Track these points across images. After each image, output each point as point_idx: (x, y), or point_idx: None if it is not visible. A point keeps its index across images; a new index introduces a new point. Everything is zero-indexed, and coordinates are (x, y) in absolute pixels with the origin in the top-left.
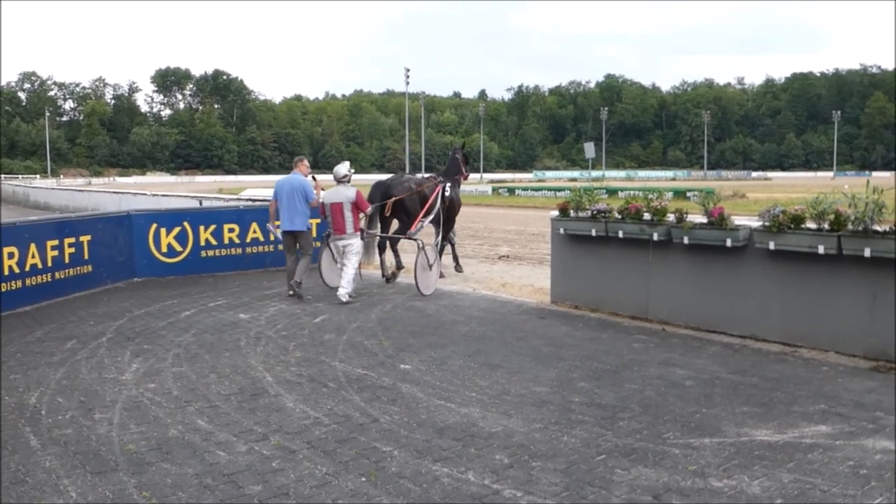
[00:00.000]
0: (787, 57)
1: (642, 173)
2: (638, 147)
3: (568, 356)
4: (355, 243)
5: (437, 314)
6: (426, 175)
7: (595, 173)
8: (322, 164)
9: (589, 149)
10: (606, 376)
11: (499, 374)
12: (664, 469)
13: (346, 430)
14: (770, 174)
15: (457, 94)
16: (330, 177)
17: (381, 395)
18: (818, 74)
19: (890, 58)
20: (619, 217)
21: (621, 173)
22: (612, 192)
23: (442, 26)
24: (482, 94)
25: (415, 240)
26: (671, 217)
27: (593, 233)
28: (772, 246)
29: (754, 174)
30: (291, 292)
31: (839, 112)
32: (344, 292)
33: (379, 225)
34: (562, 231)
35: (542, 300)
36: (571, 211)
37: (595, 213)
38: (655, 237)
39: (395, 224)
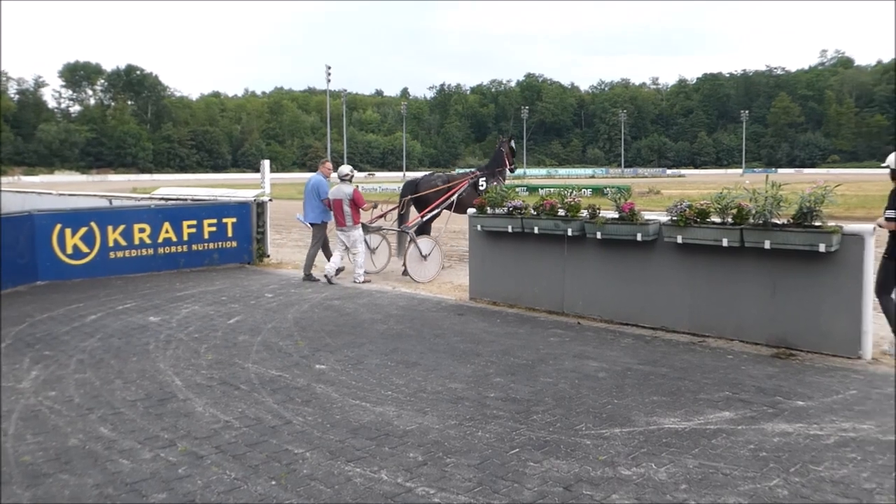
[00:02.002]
0: (699, 58)
1: (562, 171)
2: (558, 145)
3: (485, 352)
4: (355, 234)
5: (355, 313)
6: (467, 170)
7: (516, 171)
8: (242, 162)
9: None
10: (522, 371)
11: (415, 372)
12: (575, 460)
13: (257, 433)
14: (684, 171)
15: (379, 92)
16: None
17: (294, 397)
18: (727, 75)
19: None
20: (535, 213)
21: (542, 171)
22: (532, 190)
23: (363, 24)
24: (404, 92)
25: (406, 232)
26: (584, 213)
27: (510, 229)
28: (680, 240)
29: (669, 171)
30: (324, 278)
31: (747, 112)
32: (358, 276)
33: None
34: (479, 228)
35: (461, 297)
36: (488, 208)
37: (511, 209)
38: (570, 232)
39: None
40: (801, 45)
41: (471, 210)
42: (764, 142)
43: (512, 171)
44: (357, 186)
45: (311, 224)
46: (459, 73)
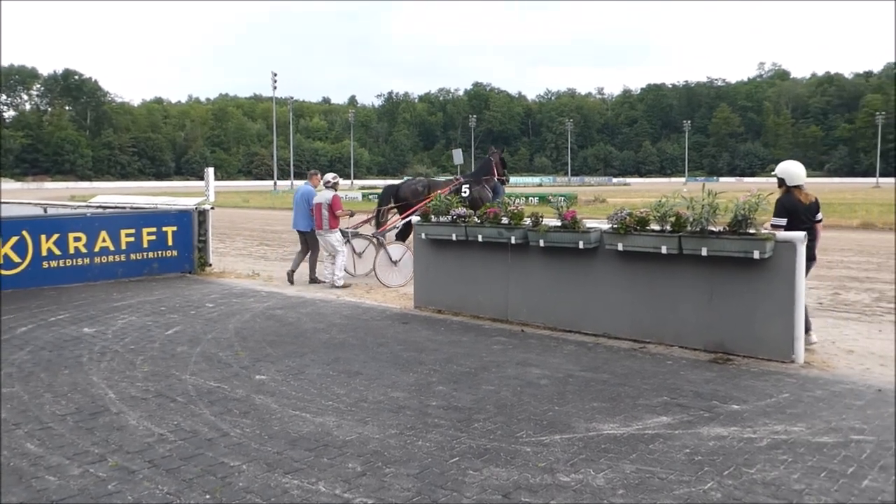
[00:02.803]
0: (643, 69)
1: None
2: (506, 154)
3: (428, 360)
4: (331, 238)
5: (298, 322)
6: (451, 178)
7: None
8: (185, 170)
9: (457, 155)
10: (465, 379)
11: (357, 382)
12: (515, 467)
13: (193, 446)
14: (629, 180)
15: (326, 100)
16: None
17: (232, 408)
18: (670, 86)
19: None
20: (479, 222)
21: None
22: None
23: (310, 32)
24: (352, 99)
25: (378, 238)
26: (528, 221)
27: (454, 237)
28: (620, 247)
29: (614, 180)
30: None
31: (689, 122)
32: (336, 279)
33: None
34: (424, 236)
35: (406, 305)
36: (433, 216)
37: (455, 217)
38: (513, 240)
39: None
40: (740, 58)
41: (415, 218)
42: (706, 151)
43: (503, 182)
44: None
45: (300, 232)
46: (407, 81)
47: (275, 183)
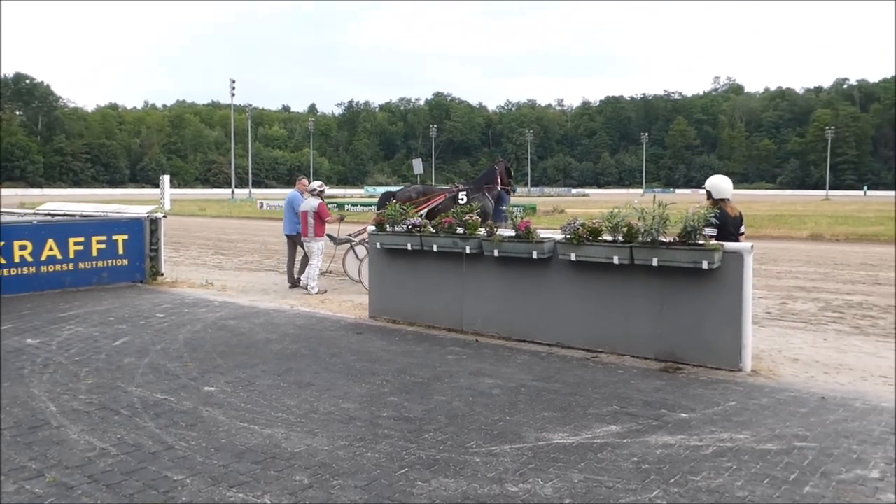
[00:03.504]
0: (601, 81)
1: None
2: (466, 163)
3: (381, 371)
4: (314, 246)
5: (250, 333)
6: (452, 186)
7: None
8: (141, 177)
9: (417, 165)
10: (417, 389)
11: (308, 393)
12: (464, 478)
13: (136, 460)
14: (588, 191)
15: (286, 108)
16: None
17: (178, 421)
18: (628, 99)
19: (687, 85)
20: (434, 231)
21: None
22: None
23: (270, 38)
24: (312, 108)
25: (349, 239)
26: (482, 231)
27: (409, 247)
28: (573, 257)
29: (574, 191)
30: (290, 285)
31: (647, 134)
32: (309, 286)
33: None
34: (379, 245)
35: (361, 315)
36: (388, 225)
37: (410, 227)
38: (468, 250)
39: None
40: (696, 72)
41: (370, 227)
42: (663, 163)
43: (508, 192)
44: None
45: (288, 236)
46: (368, 90)
47: (233, 191)
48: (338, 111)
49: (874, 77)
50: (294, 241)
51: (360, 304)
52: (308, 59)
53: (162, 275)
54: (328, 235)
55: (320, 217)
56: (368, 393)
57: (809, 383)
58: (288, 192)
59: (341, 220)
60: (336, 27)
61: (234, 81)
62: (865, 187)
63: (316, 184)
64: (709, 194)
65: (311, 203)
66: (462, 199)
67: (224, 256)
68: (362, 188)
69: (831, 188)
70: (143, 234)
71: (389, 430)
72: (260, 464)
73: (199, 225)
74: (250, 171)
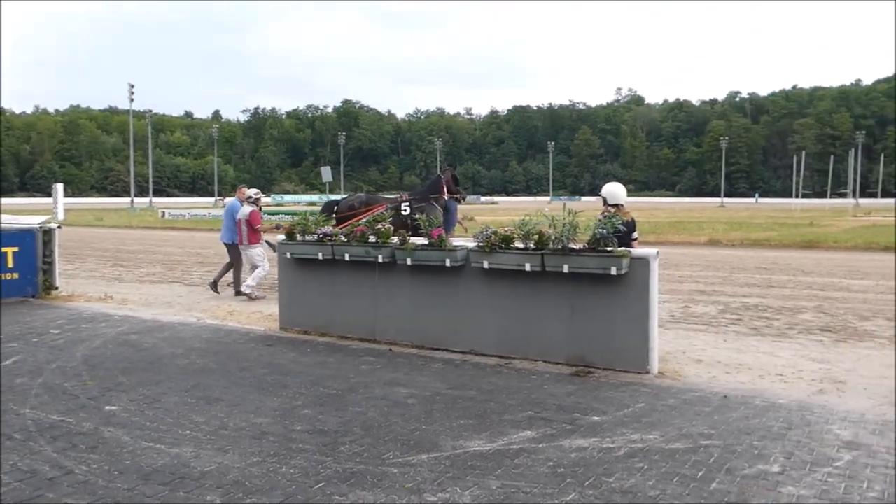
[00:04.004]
0: (509, 91)
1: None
2: (376, 172)
3: (293, 383)
4: (251, 252)
5: (154, 348)
6: (396, 195)
7: (334, 197)
8: (31, 185)
9: (326, 173)
10: (331, 401)
11: (218, 408)
12: (382, 490)
13: (31, 487)
14: (497, 199)
15: (189, 114)
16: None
17: (78, 443)
18: (535, 108)
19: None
20: (346, 240)
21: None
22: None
23: (170, 43)
24: (216, 114)
25: (269, 242)
26: (395, 239)
27: (320, 256)
28: (486, 265)
29: (483, 199)
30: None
31: (553, 143)
32: (246, 287)
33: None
34: (288, 255)
35: (272, 327)
36: (298, 235)
37: (321, 236)
38: (380, 259)
39: None
40: (599, 83)
41: (280, 237)
42: (569, 171)
43: (458, 200)
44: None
45: (226, 244)
46: (275, 97)
47: (132, 200)
48: (243, 118)
49: (764, 90)
50: (231, 250)
51: (269, 316)
52: (211, 65)
53: (56, 288)
54: (266, 242)
55: (252, 225)
56: (281, 406)
57: (712, 383)
58: (191, 200)
59: (278, 228)
60: (240, 33)
61: (132, 86)
62: (757, 195)
63: (252, 192)
64: (604, 200)
65: (244, 211)
66: (405, 210)
67: (124, 268)
68: (269, 196)
69: (726, 196)
70: (36, 246)
71: (304, 444)
72: (168, 485)
73: (97, 236)
74: (151, 179)
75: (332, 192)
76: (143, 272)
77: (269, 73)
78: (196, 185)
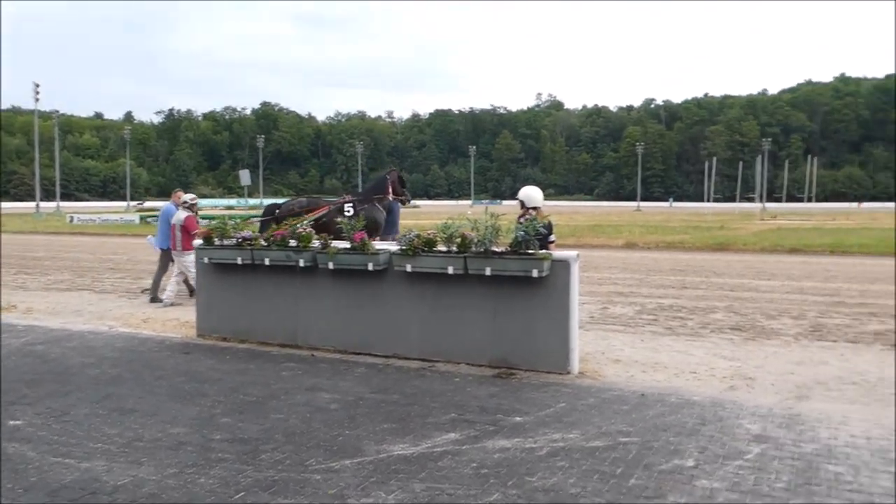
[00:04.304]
0: (430, 95)
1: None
2: (296, 175)
3: (211, 391)
4: (184, 259)
5: (63, 358)
6: (341, 198)
7: (252, 201)
8: None
9: (244, 176)
10: (251, 409)
11: (131, 419)
12: (304, 497)
13: None
14: (419, 202)
15: (99, 115)
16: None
17: None
18: (457, 112)
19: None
20: (265, 244)
21: (280, 201)
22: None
23: (80, 40)
24: (128, 116)
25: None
26: (316, 243)
27: (239, 261)
28: (409, 268)
29: None
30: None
31: (475, 147)
32: (167, 295)
33: None
34: (206, 260)
35: (189, 334)
36: (216, 239)
37: (240, 240)
38: (302, 263)
39: None
40: (520, 88)
41: (197, 241)
42: (490, 175)
43: (403, 202)
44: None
45: (161, 249)
46: (190, 98)
47: (37, 205)
48: (157, 119)
49: (677, 98)
50: (167, 254)
51: (187, 323)
52: (123, 65)
53: None
54: None
55: (186, 230)
56: (199, 415)
57: (630, 382)
58: (102, 204)
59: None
60: (153, 32)
61: (37, 85)
62: (671, 199)
63: (188, 196)
64: (522, 203)
65: (179, 216)
66: (349, 212)
67: (29, 275)
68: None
69: (642, 200)
70: None
71: (223, 453)
72: (77, 501)
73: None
74: (58, 183)
75: (250, 195)
76: (50, 279)
77: (184, 73)
78: (107, 189)
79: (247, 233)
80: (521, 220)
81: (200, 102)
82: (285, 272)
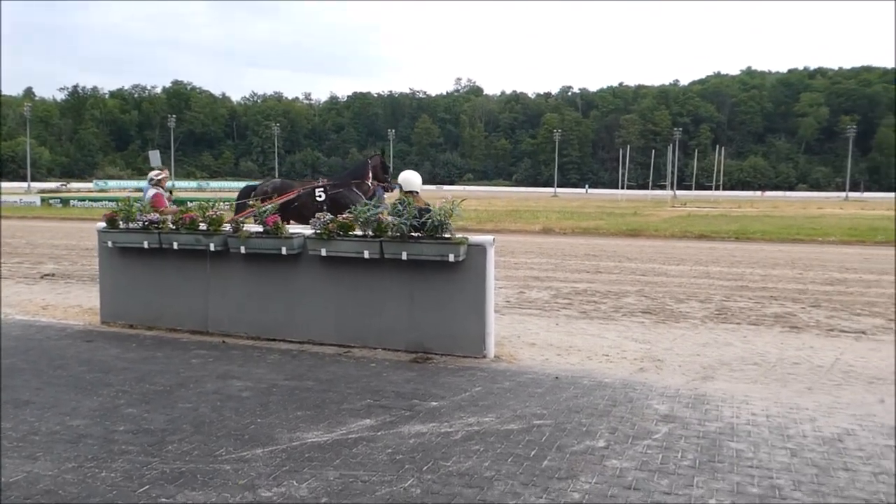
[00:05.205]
0: (350, 78)
1: (214, 184)
2: (209, 157)
3: (115, 381)
4: None
5: None
6: (315, 181)
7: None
8: None
9: (154, 157)
10: (158, 398)
11: (27, 412)
12: (213, 488)
13: None
14: None
15: None
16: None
17: None
18: (376, 95)
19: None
20: (174, 228)
21: (192, 183)
22: (181, 203)
23: None
24: (28, 92)
25: None
26: (227, 227)
27: (146, 245)
28: (324, 252)
29: None
30: None
31: (394, 131)
32: None
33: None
34: (110, 244)
35: (92, 321)
36: (121, 222)
37: (147, 223)
38: (212, 247)
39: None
40: (439, 73)
41: (100, 224)
42: (409, 160)
43: (385, 189)
44: (162, 191)
45: None
46: (96, 75)
47: None
48: (60, 96)
49: (593, 86)
50: None
51: (90, 310)
52: (23, 39)
53: None
54: None
55: (155, 209)
56: (101, 406)
57: (545, 365)
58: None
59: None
60: (57, 6)
61: None
62: (587, 185)
63: (153, 173)
64: (400, 188)
65: (147, 195)
66: (320, 196)
67: None
68: (91, 182)
69: (559, 186)
70: None
71: (127, 445)
72: None
73: None
74: None
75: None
76: None
77: (90, 50)
78: (5, 169)
79: (153, 216)
80: (400, 205)
81: (107, 80)
82: (195, 256)
